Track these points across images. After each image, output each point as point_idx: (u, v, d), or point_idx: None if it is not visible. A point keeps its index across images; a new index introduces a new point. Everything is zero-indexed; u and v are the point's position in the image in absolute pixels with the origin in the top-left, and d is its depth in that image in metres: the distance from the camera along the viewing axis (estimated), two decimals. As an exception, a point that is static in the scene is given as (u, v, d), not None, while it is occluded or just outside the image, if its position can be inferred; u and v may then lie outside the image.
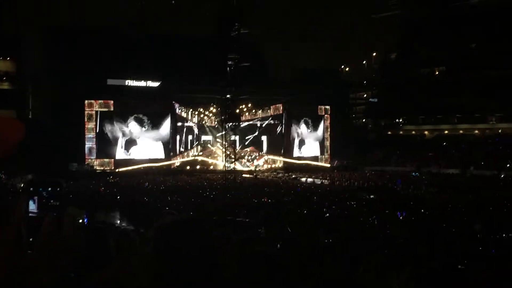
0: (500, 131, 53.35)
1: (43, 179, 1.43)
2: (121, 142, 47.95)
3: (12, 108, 43.04)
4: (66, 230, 1.31)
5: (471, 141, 52.83)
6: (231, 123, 40.49)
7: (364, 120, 69.48)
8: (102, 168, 46.12)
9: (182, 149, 54.20)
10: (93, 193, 25.43)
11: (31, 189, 1.38)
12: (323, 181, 38.26)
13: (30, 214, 1.36)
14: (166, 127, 49.48)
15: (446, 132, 57.50)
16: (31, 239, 1.31)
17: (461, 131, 56.08)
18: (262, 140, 58.56)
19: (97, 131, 47.05)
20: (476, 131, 55.39)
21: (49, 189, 1.40)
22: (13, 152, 1.38)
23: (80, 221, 1.51)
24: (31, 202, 1.38)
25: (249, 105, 54.58)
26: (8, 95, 45.27)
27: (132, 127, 48.39)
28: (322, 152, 57.94)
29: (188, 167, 49.60)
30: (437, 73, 60.37)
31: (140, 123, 48.69)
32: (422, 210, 16.96)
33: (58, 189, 1.41)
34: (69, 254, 1.31)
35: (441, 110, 56.35)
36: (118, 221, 13.30)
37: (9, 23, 48.01)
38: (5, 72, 47.04)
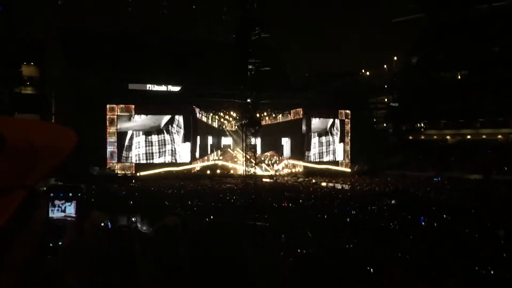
0: (524, 135, 52.63)
1: (64, 183, 1.45)
2: (143, 146, 48.26)
3: (35, 112, 43.60)
4: (88, 235, 1.31)
5: (494, 145, 52.14)
6: (251, 128, 40.53)
7: (385, 124, 68.98)
8: (123, 172, 46.49)
9: (202, 154, 54.40)
10: (115, 197, 25.62)
11: (52, 194, 1.38)
12: (344, 185, 38.03)
13: (68, 218, 1.38)
14: (186, 131, 49.67)
15: (468, 136, 56.84)
16: (51, 244, 1.32)
17: (484, 136, 55.39)
18: (282, 145, 58.48)
19: (119, 135, 47.49)
20: (499, 136, 54.66)
21: (70, 194, 1.40)
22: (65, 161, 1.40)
23: (103, 224, 1.52)
24: (69, 206, 1.39)
25: (269, 109, 54.58)
26: (32, 100, 45.90)
27: (153, 131, 48.68)
28: (342, 157, 57.68)
29: (208, 172, 49.71)
30: (459, 76, 59.72)
31: (161, 127, 48.94)
32: (444, 216, 16.77)
33: (79, 193, 1.41)
34: (92, 258, 1.31)
35: (463, 114, 55.74)
36: (140, 225, 13.38)
37: (32, 29, 48.79)
38: (29, 77, 47.70)
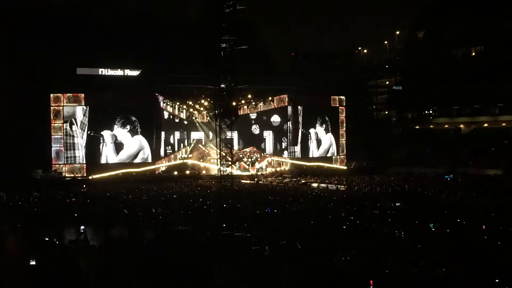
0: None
1: None
2: (94, 143, 47.78)
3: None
4: (11, 251, 1.27)
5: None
6: (226, 119, 40.42)
7: (386, 112, 69.35)
8: (72, 175, 46.07)
9: (168, 151, 54.12)
10: (62, 205, 25.40)
11: None
12: (339, 186, 38.18)
13: None
14: (148, 124, 49.27)
15: (485, 125, 57.33)
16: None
17: (503, 124, 55.89)
18: (265, 138, 58.48)
19: (66, 130, 46.95)
20: (522, 123, 55.25)
21: None
22: None
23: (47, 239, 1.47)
24: None
25: (248, 96, 54.48)
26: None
27: (108, 125, 48.20)
28: (336, 152, 57.83)
29: (175, 173, 49.53)
30: (473, 54, 60.11)
31: (117, 120, 48.48)
32: (459, 220, 16.88)
33: None
34: (15, 275, 1.27)
35: (479, 99, 56.15)
36: (93, 238, 13.27)
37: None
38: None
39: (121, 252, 2.14)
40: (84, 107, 47.31)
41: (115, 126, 48.12)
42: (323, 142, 57.17)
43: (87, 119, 47.27)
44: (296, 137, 55.06)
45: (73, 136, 47.10)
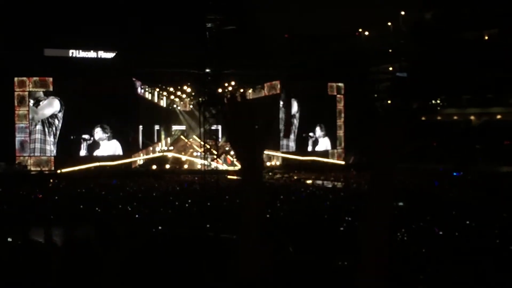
0: None
1: None
2: (64, 133, 47.56)
3: None
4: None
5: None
6: (211, 107, 40.37)
7: (389, 101, 69.39)
8: (38, 169, 45.88)
9: (145, 143, 53.96)
10: (28, 202, 25.37)
11: None
12: (336, 183, 38.28)
13: None
14: (124, 113, 49.00)
15: (498, 116, 57.46)
16: None
17: (518, 116, 56.06)
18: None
19: (32, 118, 46.74)
20: (540, 115, 55.40)
21: None
22: None
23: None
24: None
25: (236, 83, 54.36)
26: None
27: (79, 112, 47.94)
28: (333, 145, 57.78)
29: (154, 167, 49.49)
30: (486, 37, 60.19)
31: (89, 107, 48.20)
32: (468, 222, 16.97)
33: None
34: None
35: (492, 88, 56.21)
36: (62, 239, 13.27)
37: None
38: None
39: (86, 253, 2.15)
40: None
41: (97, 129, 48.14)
42: (319, 134, 57.00)
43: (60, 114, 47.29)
44: (289, 128, 54.91)
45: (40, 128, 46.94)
